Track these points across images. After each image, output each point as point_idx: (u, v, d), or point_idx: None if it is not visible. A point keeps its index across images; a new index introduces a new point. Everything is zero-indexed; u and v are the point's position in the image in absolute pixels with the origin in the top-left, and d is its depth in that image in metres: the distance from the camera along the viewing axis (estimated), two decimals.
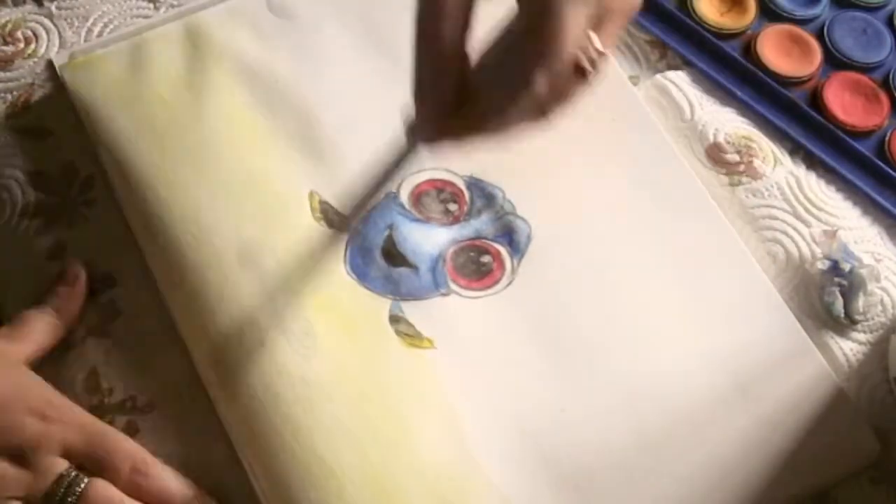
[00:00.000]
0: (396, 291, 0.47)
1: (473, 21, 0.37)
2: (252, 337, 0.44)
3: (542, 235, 0.49)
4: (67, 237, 0.48)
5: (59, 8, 0.54)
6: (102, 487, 0.40)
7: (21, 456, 0.39)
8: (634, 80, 0.55)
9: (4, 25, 0.53)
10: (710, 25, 0.56)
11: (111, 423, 0.43)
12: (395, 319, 0.46)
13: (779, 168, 0.53)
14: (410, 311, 0.46)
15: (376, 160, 0.46)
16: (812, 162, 0.53)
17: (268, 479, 0.42)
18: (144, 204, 0.47)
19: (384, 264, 0.47)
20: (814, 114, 0.54)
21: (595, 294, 0.47)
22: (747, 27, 0.57)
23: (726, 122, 0.54)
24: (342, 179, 0.49)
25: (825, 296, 0.49)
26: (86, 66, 0.50)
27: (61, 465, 0.40)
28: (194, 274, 0.45)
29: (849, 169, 0.53)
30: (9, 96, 0.51)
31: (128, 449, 0.41)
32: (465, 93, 0.38)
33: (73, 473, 0.40)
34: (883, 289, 0.50)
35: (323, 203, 0.48)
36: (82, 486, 0.39)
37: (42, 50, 0.53)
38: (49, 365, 0.43)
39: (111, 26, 0.53)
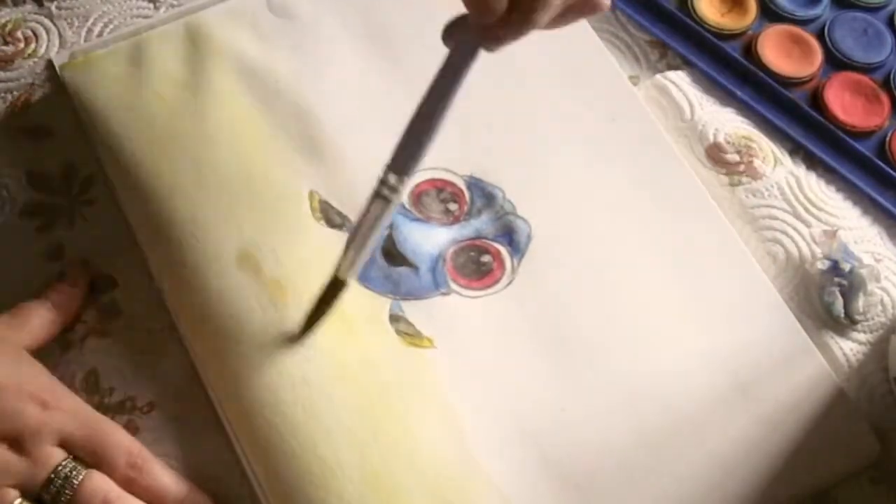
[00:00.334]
0: (396, 291, 0.47)
1: None
2: (252, 337, 0.44)
3: (542, 235, 0.49)
4: (67, 237, 0.48)
5: (59, 8, 0.54)
6: (99, 480, 0.40)
7: (18, 442, 0.39)
8: (634, 80, 0.55)
9: (4, 25, 0.53)
10: (710, 26, 0.56)
11: None
12: (395, 319, 0.46)
13: (779, 168, 0.53)
14: (410, 310, 0.46)
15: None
16: (812, 162, 0.53)
17: (268, 479, 0.42)
18: (144, 204, 0.47)
19: (384, 264, 0.47)
20: (814, 114, 0.54)
21: (595, 294, 0.47)
22: (748, 28, 0.57)
23: (726, 122, 0.54)
24: (342, 179, 0.49)
25: (825, 296, 0.49)
26: (86, 65, 0.50)
27: (59, 455, 0.40)
28: (194, 274, 0.45)
29: (849, 169, 0.53)
30: (9, 96, 0.51)
31: (124, 443, 0.41)
32: None
33: (71, 465, 0.40)
34: (883, 289, 0.50)
35: (323, 203, 0.48)
36: (80, 477, 0.39)
37: (42, 50, 0.53)
38: (49, 365, 0.43)
39: (111, 26, 0.53)
